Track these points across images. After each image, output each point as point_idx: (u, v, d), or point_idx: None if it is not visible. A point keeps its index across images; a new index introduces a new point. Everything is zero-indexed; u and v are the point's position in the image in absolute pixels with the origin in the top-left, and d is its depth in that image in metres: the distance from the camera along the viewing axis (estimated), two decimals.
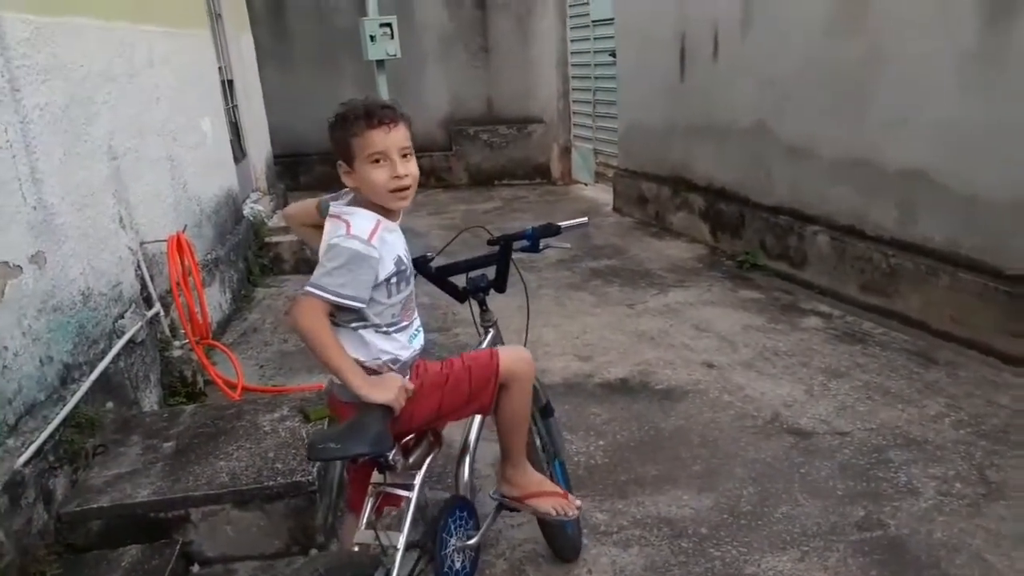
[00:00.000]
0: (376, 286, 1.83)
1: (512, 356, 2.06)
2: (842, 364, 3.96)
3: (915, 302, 4.29)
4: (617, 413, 3.59)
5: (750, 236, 5.78)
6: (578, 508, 2.27)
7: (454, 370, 2.01)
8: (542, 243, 2.39)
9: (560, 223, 2.38)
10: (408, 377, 1.94)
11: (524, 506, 2.23)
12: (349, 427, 1.76)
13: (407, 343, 1.96)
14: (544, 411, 2.54)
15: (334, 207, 1.92)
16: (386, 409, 1.79)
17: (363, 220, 1.83)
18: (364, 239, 1.79)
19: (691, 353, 4.22)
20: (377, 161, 1.83)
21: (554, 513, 2.21)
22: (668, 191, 6.99)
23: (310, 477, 2.61)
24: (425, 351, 2.06)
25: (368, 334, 1.89)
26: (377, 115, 1.83)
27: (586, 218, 2.50)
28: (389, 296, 1.88)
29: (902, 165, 4.35)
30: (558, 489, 2.26)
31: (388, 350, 1.90)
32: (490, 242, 2.38)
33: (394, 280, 1.88)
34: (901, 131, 4.31)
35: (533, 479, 2.22)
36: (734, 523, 2.75)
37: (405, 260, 1.92)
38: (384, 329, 1.90)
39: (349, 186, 1.91)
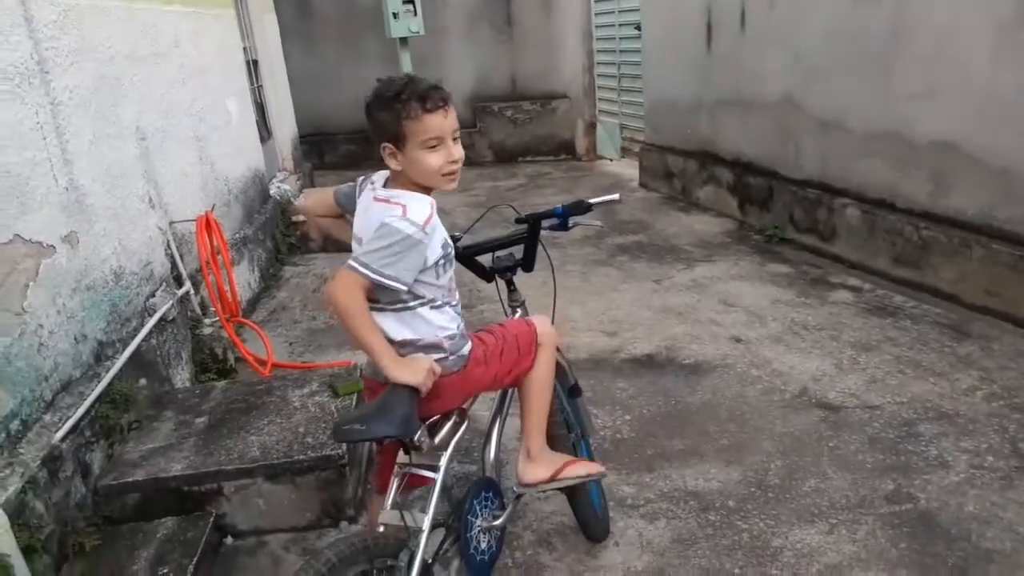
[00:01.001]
0: (425, 269, 1.83)
1: (544, 323, 2.18)
2: (872, 338, 3.91)
3: (948, 275, 4.22)
4: (643, 388, 3.59)
5: (779, 210, 5.71)
6: (602, 469, 2.29)
7: (505, 339, 2.09)
8: (571, 221, 2.36)
9: (591, 200, 2.34)
10: (470, 348, 2.00)
11: (550, 485, 2.21)
12: (376, 408, 1.77)
13: (457, 316, 1.98)
14: (572, 391, 2.53)
15: (381, 191, 1.88)
16: (413, 390, 1.79)
17: (420, 205, 1.80)
18: (420, 224, 1.76)
19: (718, 328, 4.20)
20: (434, 146, 1.80)
21: (584, 473, 2.23)
22: (695, 165, 6.91)
23: (340, 451, 2.65)
24: None
25: (426, 311, 1.89)
26: (433, 98, 1.79)
27: (617, 195, 2.45)
28: (438, 277, 1.89)
29: (933, 136, 4.26)
30: (573, 458, 2.27)
31: (445, 325, 1.92)
32: (518, 220, 2.36)
33: (442, 263, 1.88)
34: (932, 102, 4.22)
35: (553, 455, 2.23)
36: (762, 496, 2.75)
37: (449, 242, 1.92)
38: (439, 305, 1.92)
39: (393, 168, 1.87)
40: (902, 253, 4.52)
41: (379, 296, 1.83)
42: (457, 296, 2.01)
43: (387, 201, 1.83)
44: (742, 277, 4.98)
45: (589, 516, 2.49)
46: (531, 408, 2.17)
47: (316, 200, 2.11)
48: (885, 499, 2.68)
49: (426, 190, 1.87)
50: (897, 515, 2.59)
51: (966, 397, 3.28)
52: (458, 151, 1.85)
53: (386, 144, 1.83)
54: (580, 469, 2.23)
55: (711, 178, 6.68)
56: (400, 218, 1.76)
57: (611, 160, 9.54)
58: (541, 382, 2.15)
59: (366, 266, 1.73)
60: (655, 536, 2.59)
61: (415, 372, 1.80)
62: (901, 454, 2.93)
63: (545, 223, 2.35)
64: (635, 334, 4.20)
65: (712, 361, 3.81)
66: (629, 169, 8.64)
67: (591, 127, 9.87)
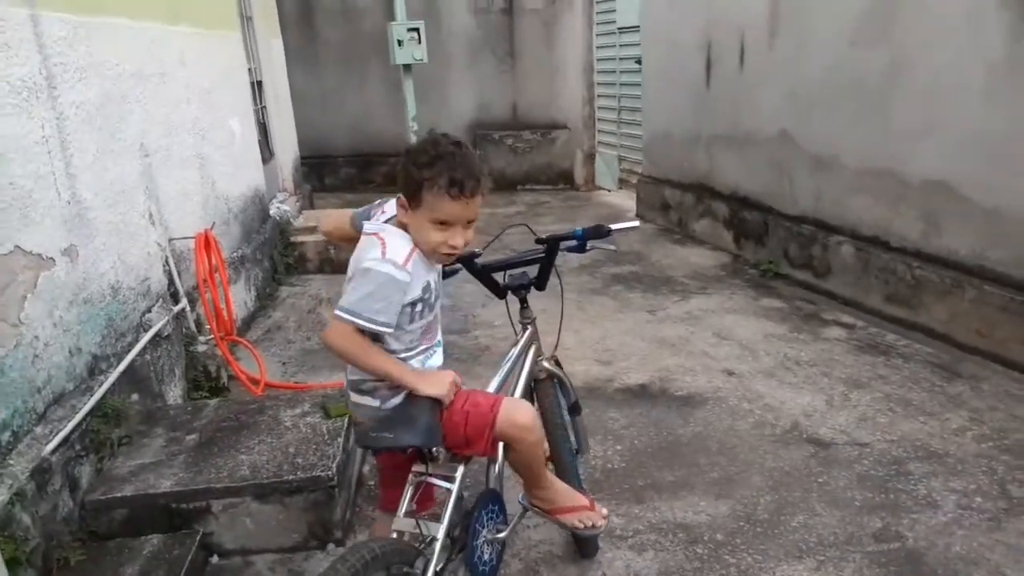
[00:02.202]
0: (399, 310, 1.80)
1: (511, 414, 1.93)
2: (864, 375, 3.93)
3: (940, 314, 4.25)
4: (636, 418, 3.60)
5: (773, 245, 5.76)
6: (604, 517, 2.25)
7: (453, 409, 1.90)
8: (589, 244, 2.38)
9: (611, 225, 2.37)
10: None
11: (552, 519, 2.23)
12: (400, 417, 1.81)
13: (419, 367, 1.93)
14: (572, 409, 2.58)
15: (370, 225, 1.87)
16: (436, 401, 1.84)
17: (400, 242, 1.80)
18: (399, 263, 1.75)
19: (711, 360, 4.21)
20: (441, 224, 1.79)
21: (582, 527, 2.21)
22: (692, 198, 6.98)
23: (330, 472, 2.64)
24: (444, 353, 2.07)
25: None
26: (461, 187, 1.75)
27: (637, 221, 2.50)
28: (411, 322, 1.86)
29: (926, 176, 4.32)
30: (584, 501, 2.24)
31: None
32: (538, 241, 2.38)
33: (419, 307, 1.85)
34: (925, 142, 4.28)
35: (559, 494, 2.20)
36: (750, 530, 2.75)
37: (433, 288, 1.89)
38: (400, 355, 1.89)
39: (401, 220, 1.84)
40: (895, 291, 4.56)
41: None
42: (435, 341, 1.99)
43: (374, 235, 1.82)
44: (736, 311, 5.00)
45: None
46: (521, 473, 2.16)
47: (333, 224, 2.09)
48: (873, 537, 2.68)
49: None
50: (884, 554, 2.60)
51: (956, 437, 3.30)
52: (463, 238, 1.82)
53: (400, 195, 1.82)
54: (581, 519, 2.19)
55: (707, 211, 6.74)
56: (380, 260, 1.75)
57: (609, 191, 9.62)
58: (526, 466, 2.10)
59: (357, 315, 1.73)
60: (643, 568, 2.58)
61: (440, 385, 1.85)
62: (890, 492, 2.94)
63: (563, 244, 2.37)
64: (629, 364, 4.22)
65: (704, 393, 3.82)
66: (627, 200, 8.71)
67: (590, 158, 9.96)
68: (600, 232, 2.34)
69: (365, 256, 1.78)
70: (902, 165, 4.48)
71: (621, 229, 2.42)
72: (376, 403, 1.90)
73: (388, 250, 1.77)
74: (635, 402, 3.77)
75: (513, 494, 2.34)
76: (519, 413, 1.96)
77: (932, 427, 3.39)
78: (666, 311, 5.06)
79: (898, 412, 3.54)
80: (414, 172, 1.77)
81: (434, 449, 1.85)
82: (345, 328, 1.75)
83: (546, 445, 2.28)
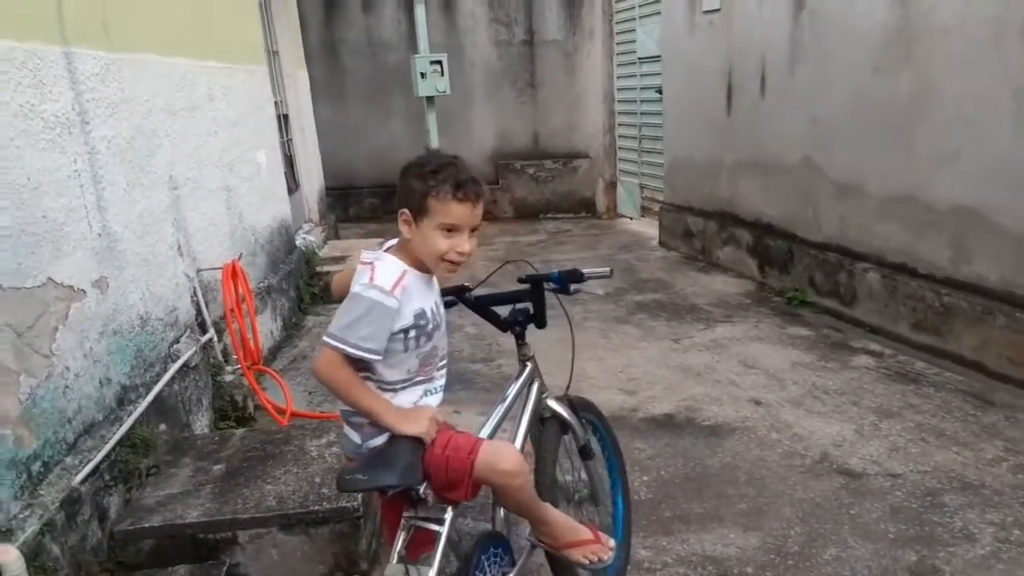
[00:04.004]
0: (392, 337, 1.79)
1: (491, 459, 1.84)
2: (894, 404, 3.87)
3: (970, 342, 4.18)
4: (662, 449, 3.56)
5: (799, 272, 5.72)
6: (611, 549, 2.15)
7: (434, 451, 1.83)
8: (572, 287, 2.38)
9: (584, 270, 2.38)
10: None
11: (559, 554, 2.15)
12: (379, 458, 1.76)
13: (407, 404, 1.90)
14: (582, 452, 2.51)
15: (366, 254, 1.88)
16: (417, 441, 1.79)
17: (389, 268, 1.81)
18: (386, 289, 1.76)
19: (738, 390, 4.17)
20: (448, 231, 1.81)
21: (587, 563, 2.12)
22: (715, 226, 6.96)
23: (355, 503, 2.63)
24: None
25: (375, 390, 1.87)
26: (468, 190, 1.79)
27: (608, 269, 2.48)
28: (405, 350, 1.84)
29: (954, 202, 4.27)
30: (587, 534, 2.13)
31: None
32: (520, 280, 2.41)
33: (412, 334, 1.83)
34: (951, 168, 4.25)
35: (561, 528, 2.10)
36: (781, 563, 2.70)
37: (429, 316, 1.87)
38: (389, 386, 1.87)
39: (404, 235, 1.86)
40: (923, 319, 4.50)
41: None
42: (436, 376, 1.97)
43: (367, 263, 1.83)
44: (762, 339, 4.96)
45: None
46: (516, 513, 2.10)
47: (342, 281, 2.07)
48: (908, 571, 2.62)
49: (424, 270, 1.88)
50: None
51: (991, 468, 3.23)
52: (468, 245, 1.84)
53: (405, 211, 1.83)
54: (585, 554, 2.11)
55: (731, 239, 6.71)
56: (367, 286, 1.76)
57: (631, 219, 9.62)
58: (516, 508, 2.03)
59: (343, 341, 1.73)
60: None
61: (418, 423, 1.81)
62: (925, 524, 2.87)
63: (548, 285, 2.38)
64: (653, 393, 4.18)
65: (731, 423, 3.78)
66: (649, 228, 8.70)
67: (611, 186, 9.98)
68: (574, 276, 2.35)
69: (356, 282, 1.80)
70: (928, 191, 4.44)
71: (593, 275, 2.39)
72: (358, 440, 1.89)
73: (376, 276, 1.78)
74: (661, 432, 3.73)
75: (522, 530, 2.29)
76: (500, 459, 1.85)
77: (966, 457, 3.32)
78: (691, 339, 5.02)
79: (931, 442, 3.47)
80: (418, 183, 1.80)
81: (420, 491, 1.78)
82: (333, 356, 1.75)
83: None
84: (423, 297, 1.87)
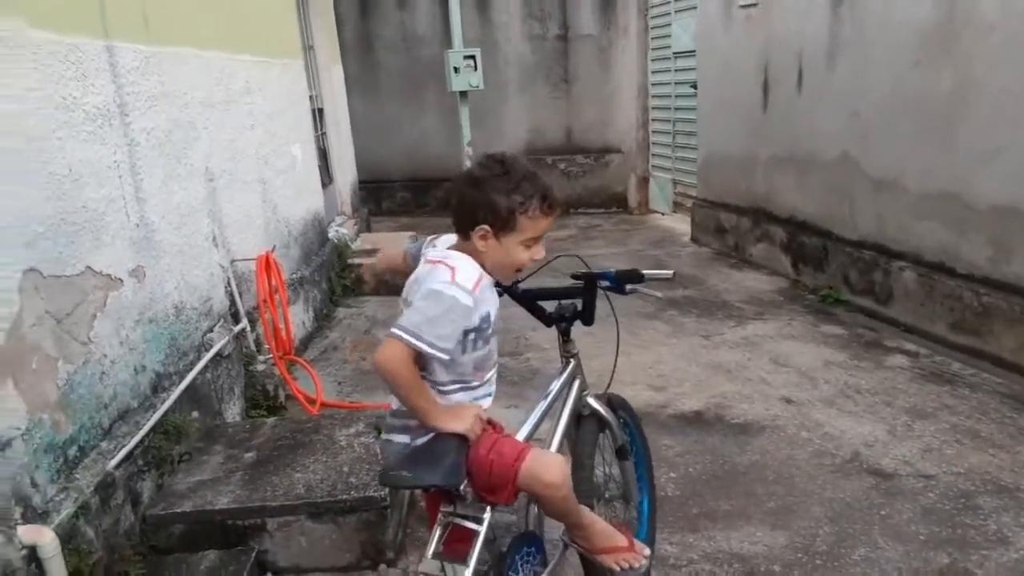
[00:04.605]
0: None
1: (535, 470, 1.82)
2: (928, 405, 3.80)
3: (1009, 343, 4.09)
4: (690, 446, 3.54)
5: (833, 270, 5.64)
6: (646, 557, 2.14)
7: (479, 452, 1.82)
8: (628, 287, 2.34)
9: (644, 271, 2.31)
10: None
11: (592, 557, 2.14)
12: (423, 455, 1.76)
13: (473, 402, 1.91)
14: (619, 453, 2.51)
15: (433, 253, 1.87)
16: (462, 439, 1.79)
17: (469, 269, 1.78)
18: (468, 289, 1.73)
19: (769, 388, 4.13)
20: (530, 245, 1.84)
21: (618, 569, 2.09)
22: (748, 222, 6.88)
23: (383, 492, 2.66)
24: (497, 375, 2.06)
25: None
26: (553, 202, 1.82)
27: (672, 271, 2.42)
28: (464, 352, 1.83)
29: (994, 200, 4.18)
30: (623, 541, 2.11)
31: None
32: (574, 276, 2.35)
33: (472, 337, 1.82)
34: (992, 165, 4.15)
35: (596, 535, 2.08)
36: (809, 563, 2.67)
37: (492, 320, 1.88)
38: (443, 387, 1.87)
39: (479, 248, 1.82)
40: (961, 319, 4.41)
41: None
42: (488, 381, 1.97)
43: (439, 263, 1.79)
44: (794, 337, 4.90)
45: None
46: (554, 518, 2.07)
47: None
48: (939, 573, 2.58)
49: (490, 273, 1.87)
50: None
51: None
52: (541, 252, 1.88)
53: (485, 227, 1.79)
54: (617, 561, 2.09)
55: (764, 235, 6.64)
56: (449, 283, 1.72)
57: (663, 214, 9.56)
58: (557, 516, 2.02)
59: (419, 337, 1.68)
60: None
61: (462, 420, 1.80)
62: (957, 527, 2.82)
63: (603, 283, 2.33)
64: (683, 390, 4.16)
65: (761, 421, 3.74)
66: (681, 224, 8.64)
67: (644, 181, 9.92)
68: (633, 277, 2.30)
69: (434, 279, 1.75)
70: (968, 188, 4.35)
71: (654, 276, 2.31)
72: (407, 439, 1.87)
73: (458, 275, 1.74)
74: (689, 429, 3.71)
75: (555, 530, 2.27)
76: (545, 470, 1.83)
77: (1002, 460, 3.25)
78: (722, 336, 4.98)
79: (966, 443, 3.41)
80: (502, 199, 1.77)
81: (461, 488, 1.78)
82: (402, 350, 1.70)
83: None
84: (491, 302, 1.88)
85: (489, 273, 1.85)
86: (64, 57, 2.53)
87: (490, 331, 1.88)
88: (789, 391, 4.07)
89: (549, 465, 1.85)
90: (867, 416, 3.73)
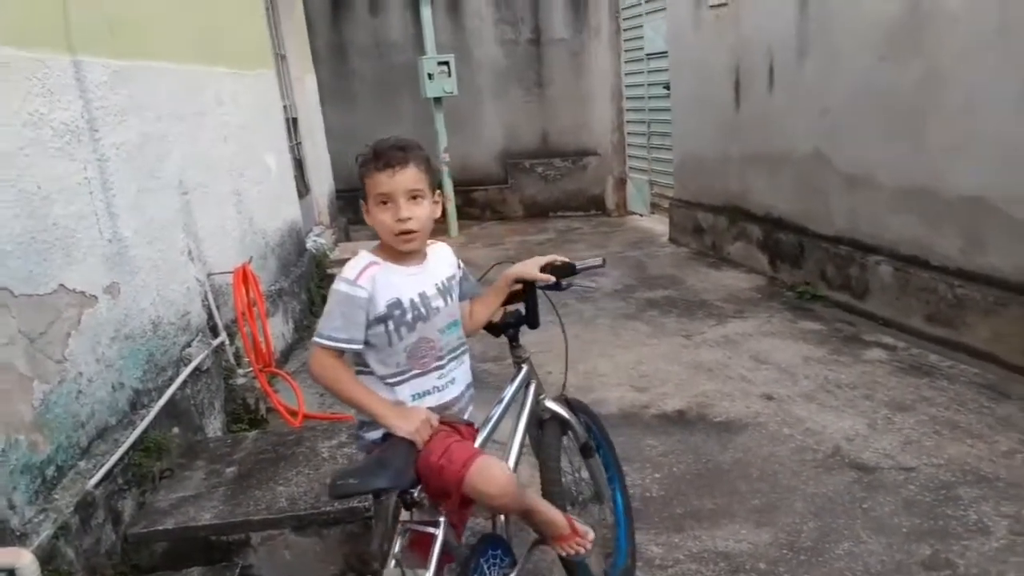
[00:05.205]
0: (369, 328, 1.84)
1: (479, 479, 1.80)
2: (907, 397, 3.84)
3: (984, 334, 4.15)
4: (674, 445, 3.55)
5: (810, 266, 5.69)
6: (591, 542, 2.13)
7: (430, 456, 1.82)
8: (564, 282, 2.31)
9: (576, 263, 2.32)
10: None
11: (552, 548, 2.16)
12: (371, 462, 1.77)
13: (408, 399, 1.92)
14: (584, 450, 2.51)
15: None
16: (411, 443, 1.79)
17: (355, 260, 1.88)
18: (350, 279, 1.83)
19: (750, 385, 4.16)
20: (384, 203, 1.86)
21: (566, 556, 2.12)
22: (725, 221, 6.93)
23: (366, 503, 2.64)
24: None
25: (369, 381, 1.91)
26: (384, 157, 1.85)
27: (601, 259, 2.43)
28: (390, 343, 1.87)
29: (965, 192, 4.24)
30: (565, 528, 2.10)
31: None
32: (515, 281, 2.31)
33: (391, 326, 1.86)
34: (962, 157, 4.21)
35: (544, 523, 2.08)
36: (793, 559, 2.69)
37: (407, 306, 1.88)
38: (386, 379, 1.90)
39: (369, 225, 1.93)
40: (936, 311, 4.46)
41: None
42: (433, 366, 1.95)
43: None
44: (773, 334, 4.94)
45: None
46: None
47: None
48: (922, 565, 2.61)
49: (397, 254, 1.91)
50: None
51: (1006, 460, 3.20)
52: (412, 211, 1.85)
53: (362, 200, 1.92)
54: (564, 547, 2.10)
55: (741, 234, 6.69)
56: (337, 279, 1.85)
57: (641, 216, 9.60)
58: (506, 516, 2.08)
59: (320, 334, 1.82)
60: None
61: (409, 421, 1.81)
62: (938, 518, 2.85)
63: (538, 283, 2.28)
64: (665, 390, 4.17)
65: (743, 419, 3.77)
66: (659, 225, 8.68)
67: (621, 183, 9.96)
68: (565, 270, 2.28)
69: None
70: (939, 182, 4.41)
71: (586, 267, 2.35)
72: (378, 436, 1.90)
73: (344, 270, 1.86)
74: (672, 429, 3.73)
75: (526, 531, 2.26)
76: (487, 480, 1.81)
77: (981, 450, 3.29)
78: (702, 335, 5.01)
79: (944, 435, 3.45)
80: (359, 171, 1.89)
81: (415, 494, 1.78)
82: (320, 353, 1.83)
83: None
84: (399, 287, 1.89)
85: (399, 257, 1.90)
86: (30, 73, 2.50)
87: (410, 316, 1.89)
88: (770, 388, 4.09)
89: (491, 476, 1.83)
90: (847, 410, 3.76)
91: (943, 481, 3.09)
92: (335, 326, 1.81)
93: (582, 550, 2.10)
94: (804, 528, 2.86)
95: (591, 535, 2.14)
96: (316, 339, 1.83)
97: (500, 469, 1.88)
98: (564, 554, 2.11)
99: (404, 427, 1.80)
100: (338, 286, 1.83)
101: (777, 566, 2.65)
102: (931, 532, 2.77)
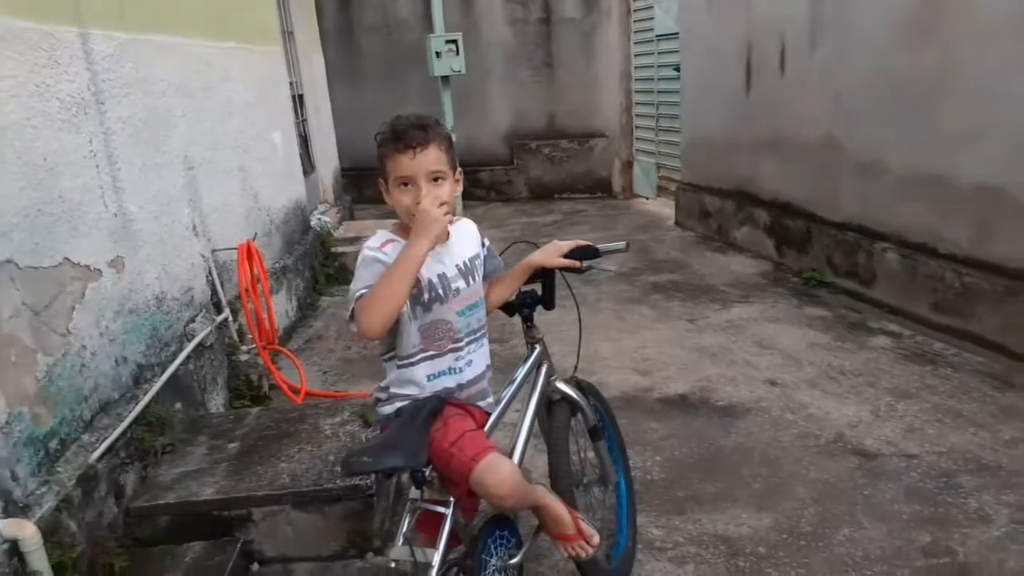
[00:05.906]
0: None
1: (485, 476, 1.78)
2: (911, 385, 3.83)
3: (992, 323, 4.12)
4: (676, 429, 3.55)
5: (817, 252, 5.66)
6: (594, 546, 2.10)
7: (444, 440, 1.83)
8: (584, 264, 2.29)
9: (599, 246, 2.30)
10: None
11: (554, 546, 2.15)
12: (385, 440, 1.77)
13: (424, 381, 1.92)
14: (592, 433, 2.51)
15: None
16: (425, 424, 1.79)
17: (376, 237, 1.88)
18: (375, 247, 1.84)
19: (753, 370, 4.15)
20: (405, 185, 1.82)
21: (569, 556, 2.10)
22: (732, 205, 6.89)
23: (368, 481, 2.65)
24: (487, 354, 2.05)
25: (389, 366, 1.94)
26: (405, 138, 1.79)
27: (625, 243, 2.40)
28: (409, 321, 1.87)
29: (977, 181, 4.20)
30: (571, 528, 2.06)
31: (401, 389, 1.93)
32: None
33: (407, 303, 1.83)
34: (975, 146, 4.17)
35: (549, 519, 2.06)
36: (794, 543, 2.69)
37: (424, 285, 1.87)
38: (402, 360, 1.91)
39: (388, 204, 1.91)
40: (943, 299, 4.44)
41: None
42: (448, 348, 1.94)
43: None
44: (778, 319, 4.92)
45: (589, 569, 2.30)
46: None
47: None
48: (922, 552, 2.61)
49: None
50: (934, 569, 2.52)
51: (1008, 449, 3.19)
52: (431, 193, 1.79)
53: (380, 180, 1.90)
54: (566, 548, 2.08)
55: (748, 219, 6.65)
56: (363, 248, 1.86)
57: (647, 199, 9.56)
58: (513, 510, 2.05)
59: (356, 291, 1.79)
60: None
61: (426, 231, 1.75)
62: (939, 506, 2.85)
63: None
64: (668, 374, 4.17)
65: (746, 404, 3.76)
66: (665, 208, 8.65)
67: (628, 166, 9.92)
68: (588, 253, 2.26)
69: None
70: (951, 170, 4.36)
71: (609, 250, 2.32)
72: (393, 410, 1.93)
73: (367, 242, 1.87)
74: (675, 412, 3.72)
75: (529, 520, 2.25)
76: (494, 480, 1.78)
77: (983, 438, 3.28)
78: (706, 320, 5.00)
79: (947, 423, 3.44)
80: (378, 151, 1.85)
81: (426, 473, 1.78)
82: (359, 305, 1.76)
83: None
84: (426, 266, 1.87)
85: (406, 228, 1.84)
86: (37, 44, 2.49)
87: (426, 297, 1.88)
88: (774, 373, 4.08)
89: (499, 477, 1.80)
90: (851, 397, 3.75)
91: (945, 469, 3.08)
92: (367, 281, 1.77)
93: (583, 554, 2.07)
94: (805, 513, 2.86)
95: (596, 539, 2.10)
96: (355, 296, 1.77)
97: (508, 469, 1.84)
98: (566, 555, 2.09)
99: (423, 243, 1.74)
100: (364, 252, 1.83)
101: (777, 550, 2.66)
102: (932, 519, 2.77)
